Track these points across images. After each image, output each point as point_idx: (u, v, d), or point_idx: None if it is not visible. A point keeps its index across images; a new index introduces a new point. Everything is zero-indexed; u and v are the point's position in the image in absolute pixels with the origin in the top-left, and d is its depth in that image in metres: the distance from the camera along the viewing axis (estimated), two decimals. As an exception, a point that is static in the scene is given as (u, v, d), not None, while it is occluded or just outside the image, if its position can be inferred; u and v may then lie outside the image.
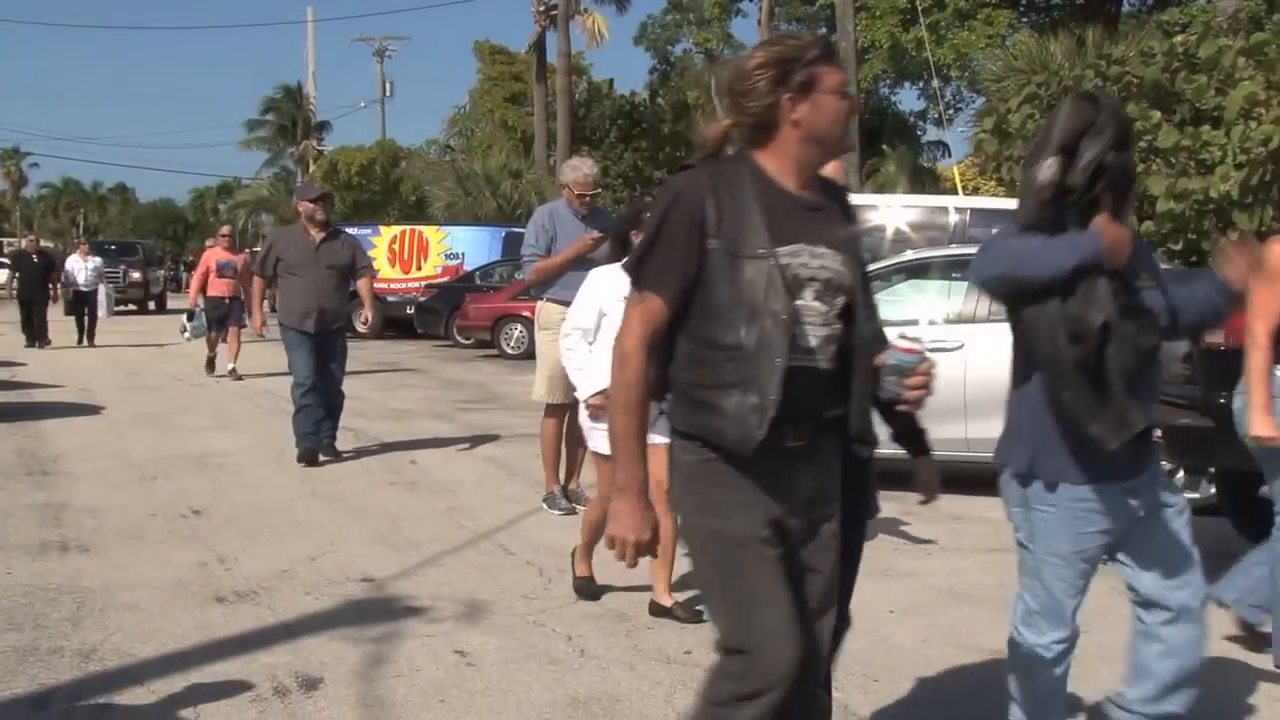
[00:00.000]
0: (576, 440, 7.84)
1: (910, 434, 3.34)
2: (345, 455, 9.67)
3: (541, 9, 37.23)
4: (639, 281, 2.81)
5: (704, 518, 2.82)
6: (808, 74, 2.76)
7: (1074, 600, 3.45)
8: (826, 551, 2.92)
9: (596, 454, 5.43)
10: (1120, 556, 3.48)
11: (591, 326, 5.46)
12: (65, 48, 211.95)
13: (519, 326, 19.58)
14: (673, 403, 2.88)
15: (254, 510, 7.67)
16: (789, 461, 2.80)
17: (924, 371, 2.87)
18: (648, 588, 5.57)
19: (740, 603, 2.76)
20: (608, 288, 5.38)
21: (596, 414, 5.32)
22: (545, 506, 7.70)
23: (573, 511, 7.61)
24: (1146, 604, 3.50)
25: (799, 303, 2.74)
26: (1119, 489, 3.33)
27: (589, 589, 5.76)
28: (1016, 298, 3.29)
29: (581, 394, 5.51)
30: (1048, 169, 3.22)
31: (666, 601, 5.42)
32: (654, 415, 5.36)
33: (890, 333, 3.02)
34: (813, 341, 2.77)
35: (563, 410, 7.66)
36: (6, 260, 33.98)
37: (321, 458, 9.36)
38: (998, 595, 5.85)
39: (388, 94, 55.13)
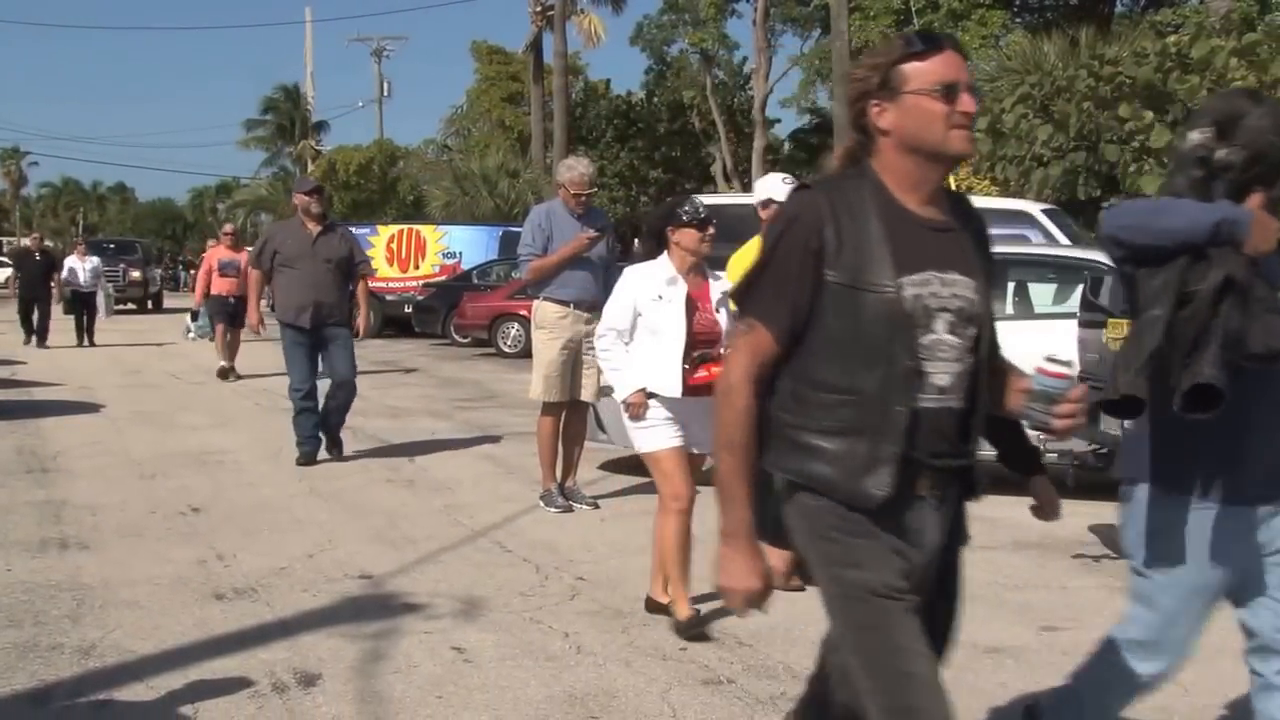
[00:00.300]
0: (573, 438, 7.90)
1: (1022, 453, 3.08)
2: (345, 455, 9.60)
3: (538, 9, 37.25)
4: (746, 310, 2.59)
5: (838, 569, 2.53)
6: (894, 74, 2.50)
7: (1194, 636, 3.11)
8: (924, 608, 2.65)
9: (647, 459, 5.33)
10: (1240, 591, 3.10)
11: (626, 327, 5.36)
12: (65, 48, 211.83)
13: (516, 325, 19.61)
14: (771, 444, 2.59)
15: (252, 508, 7.70)
16: (920, 512, 2.56)
17: (1075, 398, 2.58)
18: (649, 582, 5.61)
19: (895, 656, 2.48)
20: (642, 286, 5.33)
21: (636, 413, 5.24)
22: (542, 504, 7.72)
23: (569, 509, 7.64)
24: (1262, 651, 3.08)
25: (931, 337, 2.49)
26: (1257, 514, 2.99)
27: (694, 628, 5.15)
28: (1138, 264, 2.97)
29: (619, 394, 5.36)
30: (1198, 134, 2.99)
31: (663, 599, 5.44)
32: (686, 418, 5.14)
33: (1023, 351, 2.76)
34: (945, 380, 2.52)
35: (559, 408, 7.70)
36: (8, 259, 33.99)
37: (324, 454, 9.31)
38: (991, 593, 5.89)
39: (386, 94, 55.17)
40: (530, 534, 7.05)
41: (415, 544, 6.78)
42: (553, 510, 7.64)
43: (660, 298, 5.27)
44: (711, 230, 5.32)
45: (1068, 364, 2.59)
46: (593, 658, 4.88)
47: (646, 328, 5.31)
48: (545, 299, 7.64)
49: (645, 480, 8.54)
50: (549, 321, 7.61)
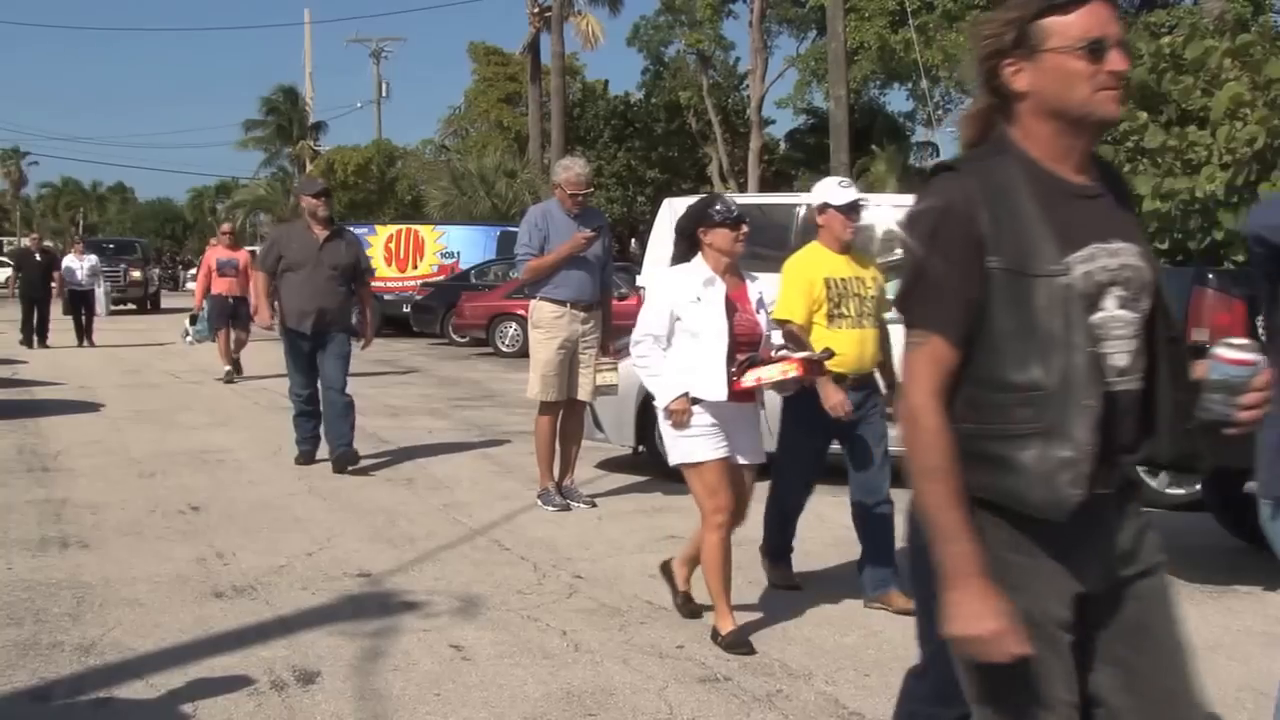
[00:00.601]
0: (570, 437, 7.93)
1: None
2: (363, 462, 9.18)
3: (536, 11, 37.33)
4: (914, 321, 2.28)
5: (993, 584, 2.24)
6: (1032, 30, 2.22)
7: None
8: (1155, 609, 2.33)
9: (689, 471, 5.07)
10: None
11: (664, 333, 5.05)
12: (65, 48, 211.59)
13: (514, 325, 19.64)
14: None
15: (252, 506, 7.72)
16: (1098, 512, 2.25)
17: (1260, 386, 2.30)
18: (646, 581, 5.64)
19: (1021, 697, 2.22)
20: (679, 289, 5.07)
21: (680, 420, 4.97)
22: (540, 503, 7.75)
23: (566, 508, 7.67)
24: None
25: (1102, 314, 2.23)
26: None
27: (737, 644, 5.00)
28: None
29: (660, 401, 5.05)
30: None
31: (682, 585, 5.41)
32: (731, 426, 5.05)
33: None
34: (1123, 360, 2.25)
35: (556, 408, 7.73)
36: (8, 259, 33.93)
37: (348, 468, 8.91)
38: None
39: (384, 94, 55.27)
40: (528, 532, 7.08)
41: (414, 542, 6.81)
42: (550, 509, 7.67)
43: (698, 300, 5.02)
44: (745, 229, 5.11)
45: (1247, 346, 2.31)
46: (590, 655, 4.91)
47: (686, 331, 5.04)
48: (542, 299, 7.67)
49: (642, 479, 8.59)
50: (546, 321, 7.64)
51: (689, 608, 5.39)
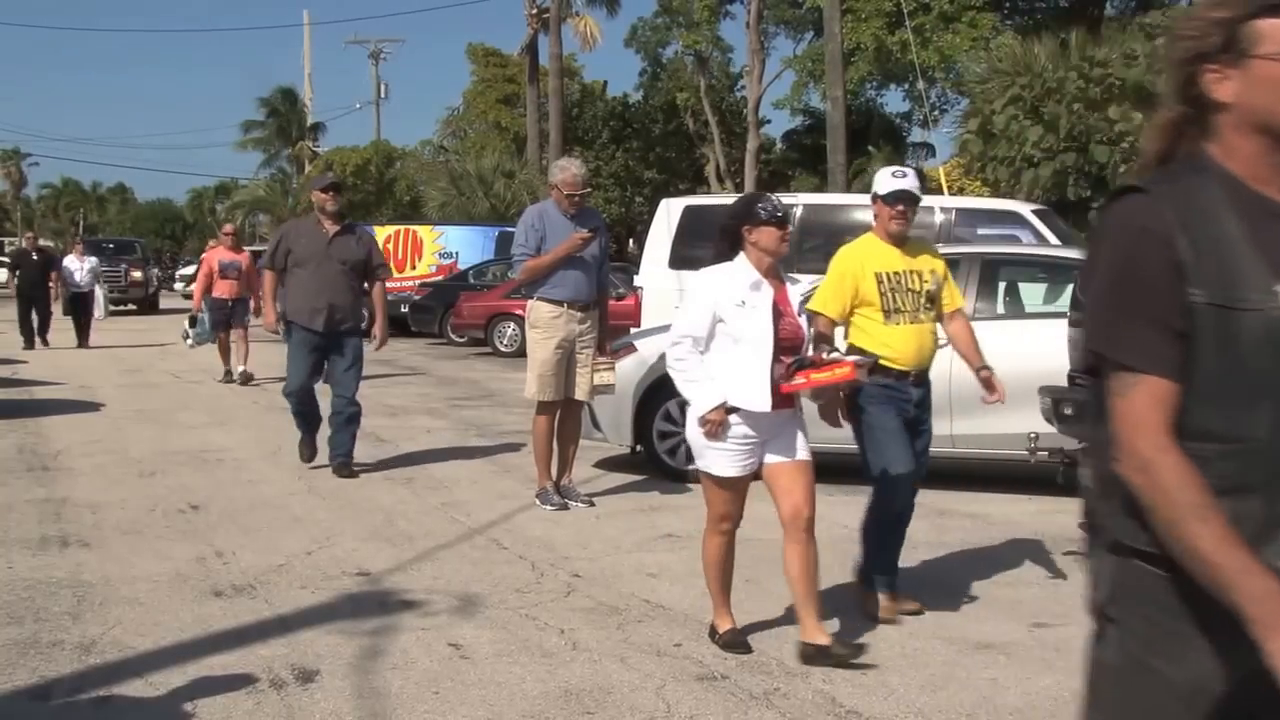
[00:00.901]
0: (568, 437, 7.95)
1: None
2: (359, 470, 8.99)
3: (534, 12, 37.39)
4: (1120, 361, 1.97)
5: (1138, 645, 2.02)
6: (1243, 32, 1.94)
7: None
8: None
9: (706, 476, 4.92)
10: None
11: (704, 334, 4.77)
12: (65, 49, 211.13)
13: (512, 325, 19.67)
14: (1126, 509, 2.00)
15: (251, 505, 7.74)
16: None
17: None
18: (644, 580, 5.65)
19: None
20: (724, 291, 4.78)
21: (716, 431, 4.73)
22: (538, 502, 7.77)
23: (564, 507, 7.69)
24: None
25: None
26: None
27: (736, 639, 5.00)
28: None
29: (697, 409, 4.78)
30: None
31: (823, 639, 4.83)
32: (785, 418, 4.90)
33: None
34: None
35: (554, 408, 7.75)
36: (7, 259, 33.89)
37: (340, 477, 8.74)
38: (982, 589, 5.94)
39: (383, 95, 55.30)
40: (526, 531, 7.10)
41: (412, 541, 6.83)
42: (548, 508, 7.69)
43: (744, 303, 4.74)
44: (790, 228, 4.90)
45: None
46: (588, 654, 4.92)
47: (728, 335, 4.76)
48: (539, 299, 7.69)
49: (640, 478, 8.61)
50: (543, 321, 7.66)
51: (849, 647, 4.88)
